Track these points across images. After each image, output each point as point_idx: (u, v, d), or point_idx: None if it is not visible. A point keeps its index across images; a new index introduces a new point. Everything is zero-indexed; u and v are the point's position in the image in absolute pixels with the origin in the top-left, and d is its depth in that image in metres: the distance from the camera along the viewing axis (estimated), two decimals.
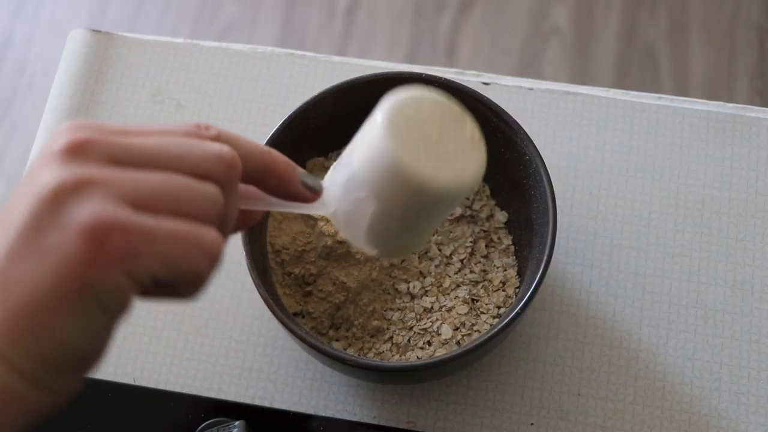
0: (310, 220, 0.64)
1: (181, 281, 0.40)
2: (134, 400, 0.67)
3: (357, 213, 0.46)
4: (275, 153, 0.46)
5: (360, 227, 0.46)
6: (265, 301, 0.59)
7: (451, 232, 0.67)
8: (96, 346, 0.39)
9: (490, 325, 0.64)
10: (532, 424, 0.66)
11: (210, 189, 0.41)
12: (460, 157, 0.44)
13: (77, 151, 0.38)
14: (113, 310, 0.38)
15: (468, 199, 0.69)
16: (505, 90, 0.76)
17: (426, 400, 0.67)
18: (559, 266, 0.70)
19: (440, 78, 0.65)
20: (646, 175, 0.73)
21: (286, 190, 0.46)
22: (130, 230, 0.37)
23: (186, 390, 0.68)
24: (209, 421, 0.64)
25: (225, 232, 0.43)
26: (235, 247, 0.71)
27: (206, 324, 0.70)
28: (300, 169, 0.46)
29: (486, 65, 1.62)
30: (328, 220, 0.64)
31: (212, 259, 0.40)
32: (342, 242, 0.64)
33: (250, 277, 0.60)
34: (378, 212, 0.45)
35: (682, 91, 1.57)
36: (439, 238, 0.66)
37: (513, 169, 0.65)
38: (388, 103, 0.44)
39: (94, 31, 0.79)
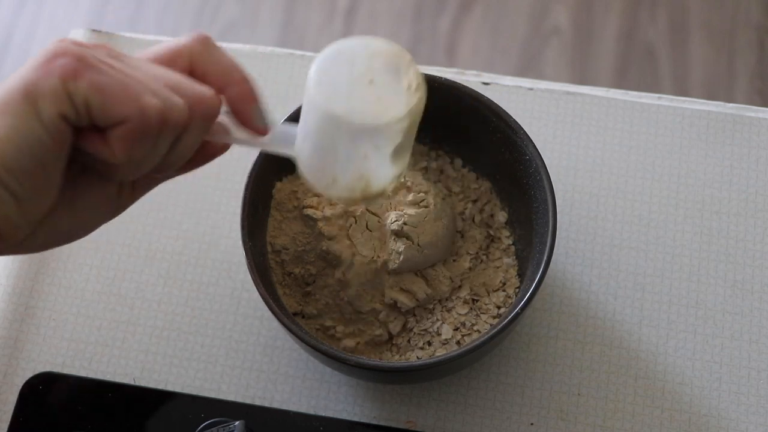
0: (310, 221, 0.64)
1: (111, 124, 0.44)
2: (134, 400, 0.67)
3: (306, 149, 0.51)
4: (249, 79, 0.50)
5: (311, 164, 0.51)
6: (265, 301, 0.59)
7: (462, 235, 0.67)
8: (27, 160, 0.43)
9: (490, 325, 0.64)
10: (532, 424, 0.66)
11: (178, 99, 0.46)
12: (388, 100, 0.48)
13: (82, 43, 0.46)
14: (47, 126, 0.43)
15: (471, 197, 0.69)
16: (505, 90, 0.76)
17: (426, 400, 0.67)
18: (559, 266, 0.70)
19: (440, 78, 0.65)
20: (646, 175, 0.73)
21: (243, 110, 0.50)
22: (81, 58, 0.44)
23: (186, 390, 0.68)
24: (209, 421, 0.64)
25: (177, 156, 0.48)
26: (235, 247, 0.72)
27: (206, 324, 0.70)
28: (261, 104, 0.51)
29: (486, 65, 1.61)
30: (328, 220, 0.64)
31: (143, 113, 0.44)
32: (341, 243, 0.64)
33: (250, 277, 0.60)
34: (317, 143, 0.50)
35: (682, 91, 1.57)
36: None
37: (513, 169, 0.65)
38: (323, 51, 0.49)
39: (94, 31, 0.79)
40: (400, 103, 0.48)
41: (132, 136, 0.44)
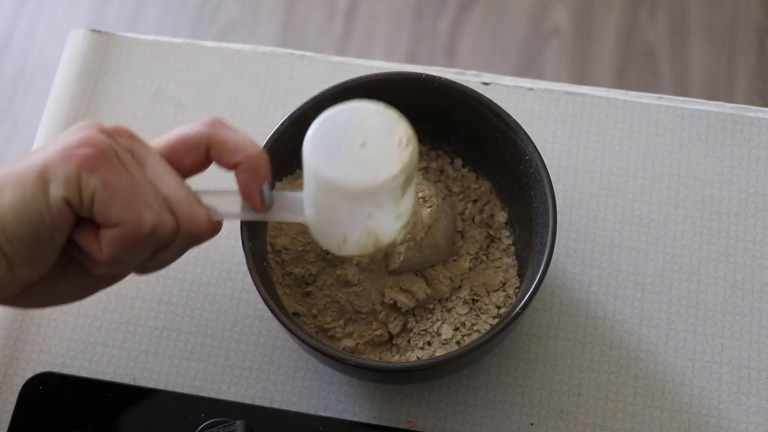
0: None
1: (108, 223, 0.47)
2: (134, 400, 0.67)
3: (313, 214, 0.53)
4: (262, 155, 0.53)
5: (320, 228, 0.54)
6: (265, 302, 0.59)
7: (462, 235, 0.67)
8: (26, 230, 0.47)
9: (490, 325, 0.64)
10: (532, 424, 0.66)
11: (169, 218, 0.49)
12: (381, 160, 0.49)
13: (107, 129, 0.49)
14: (51, 206, 0.47)
15: (471, 197, 0.69)
16: (505, 90, 0.76)
17: (426, 400, 0.67)
18: (559, 266, 0.70)
19: (440, 78, 0.65)
20: (646, 175, 0.73)
21: (251, 187, 0.53)
22: (103, 153, 0.47)
23: (186, 390, 0.68)
24: (209, 421, 0.64)
25: (154, 264, 0.52)
26: (234, 247, 0.72)
27: (206, 324, 0.70)
28: (266, 183, 0.53)
29: (486, 65, 1.61)
30: None
31: (138, 224, 0.47)
32: None
33: (250, 277, 0.60)
34: (321, 208, 0.52)
35: (682, 91, 1.57)
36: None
37: (513, 169, 0.65)
38: (316, 120, 0.51)
39: (94, 31, 0.79)
40: (393, 161, 0.49)
41: (122, 240, 0.48)
